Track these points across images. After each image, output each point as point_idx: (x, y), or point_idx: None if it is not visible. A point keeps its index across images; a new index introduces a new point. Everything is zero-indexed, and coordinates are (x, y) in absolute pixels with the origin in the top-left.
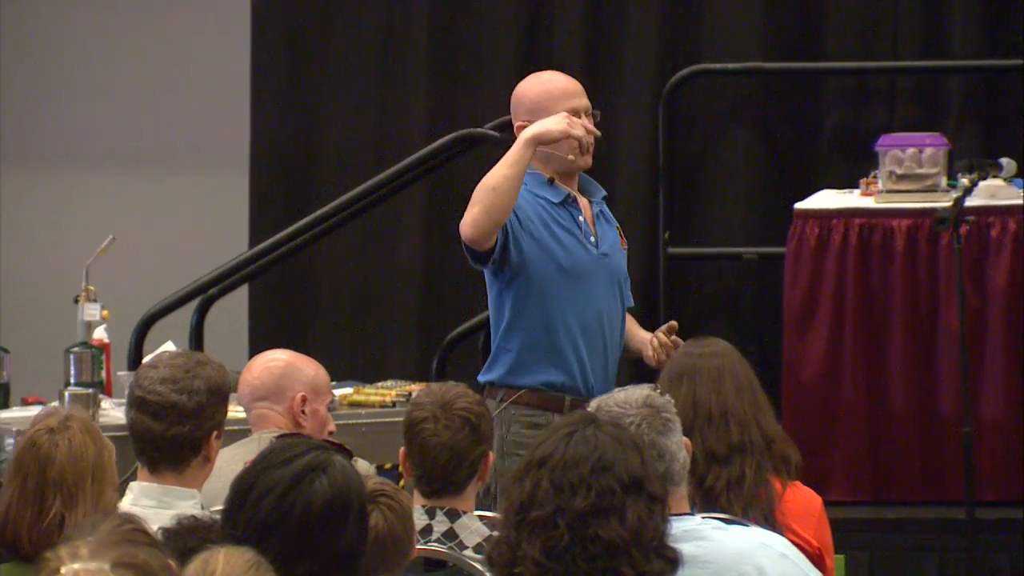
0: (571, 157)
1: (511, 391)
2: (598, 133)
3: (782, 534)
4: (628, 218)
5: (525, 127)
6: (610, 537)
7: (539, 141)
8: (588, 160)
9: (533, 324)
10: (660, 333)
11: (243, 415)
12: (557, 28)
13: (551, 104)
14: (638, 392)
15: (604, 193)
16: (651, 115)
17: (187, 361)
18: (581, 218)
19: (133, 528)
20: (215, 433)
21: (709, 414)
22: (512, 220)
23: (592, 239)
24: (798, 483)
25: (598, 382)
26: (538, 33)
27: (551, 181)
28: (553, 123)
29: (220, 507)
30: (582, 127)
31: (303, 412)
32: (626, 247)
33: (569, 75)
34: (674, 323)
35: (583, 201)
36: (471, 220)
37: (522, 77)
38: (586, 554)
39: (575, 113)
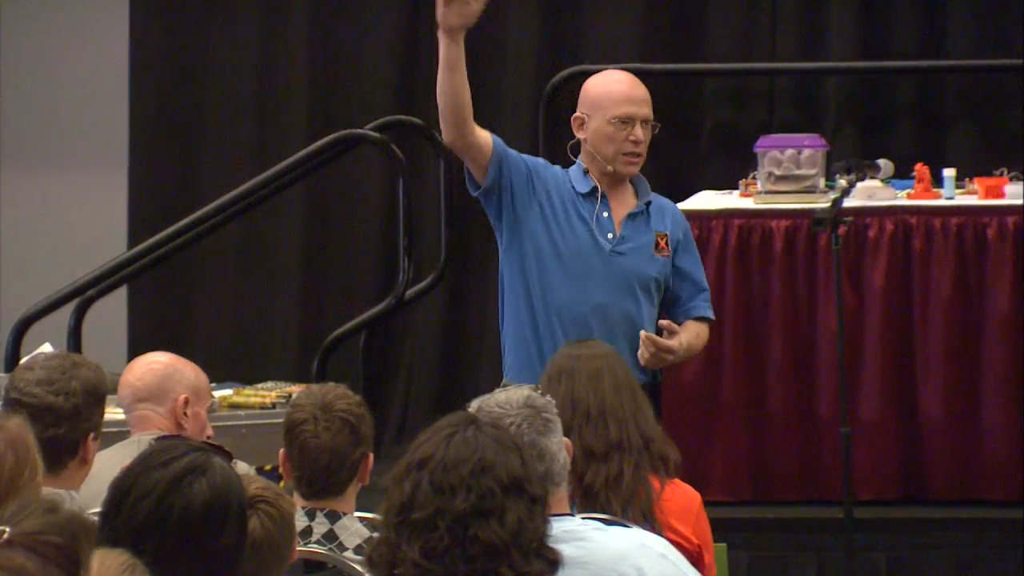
0: (609, 168)
1: None
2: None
3: (661, 532)
4: None
5: (581, 119)
6: (490, 538)
7: (443, 27)
8: (630, 168)
9: (520, 300)
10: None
11: (122, 417)
12: (438, 30)
13: (609, 104)
14: (519, 393)
15: (648, 199)
16: (532, 116)
17: (63, 362)
18: (605, 214)
19: (20, 532)
20: (92, 435)
21: (587, 412)
22: (520, 176)
23: (609, 236)
24: (677, 480)
25: None
26: (418, 34)
27: (586, 172)
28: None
29: (98, 509)
30: None
31: (185, 414)
32: (664, 254)
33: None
34: (667, 323)
35: (620, 198)
36: (441, 123)
37: (402, 77)
38: (466, 555)
39: (628, 120)
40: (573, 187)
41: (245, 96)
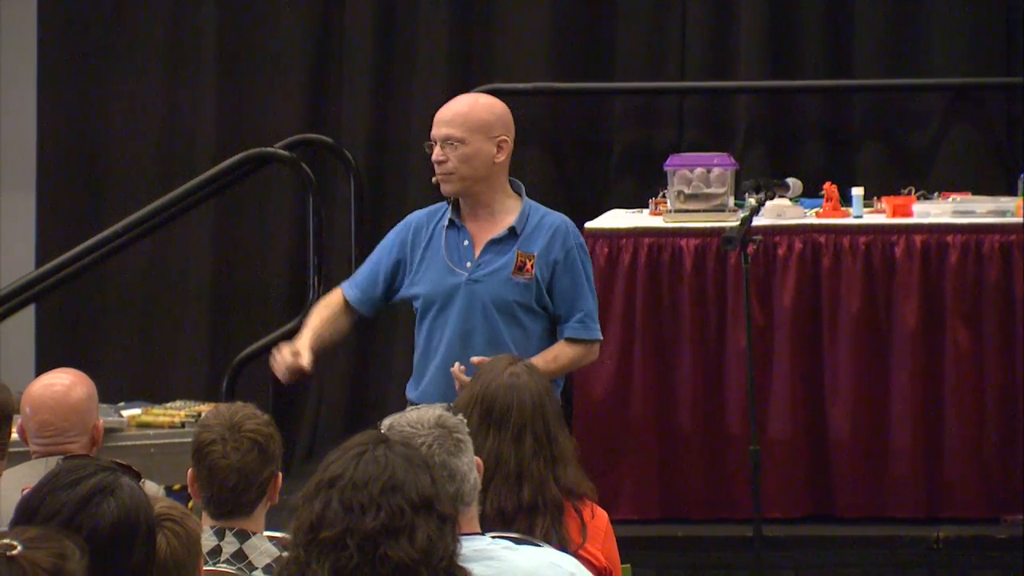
0: (433, 180)
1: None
2: None
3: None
4: None
5: None
6: (399, 557)
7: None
8: (444, 188)
9: (418, 342)
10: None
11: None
12: (347, 48)
13: None
14: (431, 412)
15: (513, 223)
16: None
17: None
18: (466, 242)
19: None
20: None
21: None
22: (393, 267)
23: (468, 264)
24: (587, 501)
25: None
26: (328, 54)
27: (454, 205)
28: None
29: (4, 529)
30: None
31: None
32: (527, 277)
33: (362, 96)
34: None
35: (490, 223)
36: None
37: (311, 96)
38: (375, 574)
39: (433, 141)
40: (443, 221)
41: (154, 114)
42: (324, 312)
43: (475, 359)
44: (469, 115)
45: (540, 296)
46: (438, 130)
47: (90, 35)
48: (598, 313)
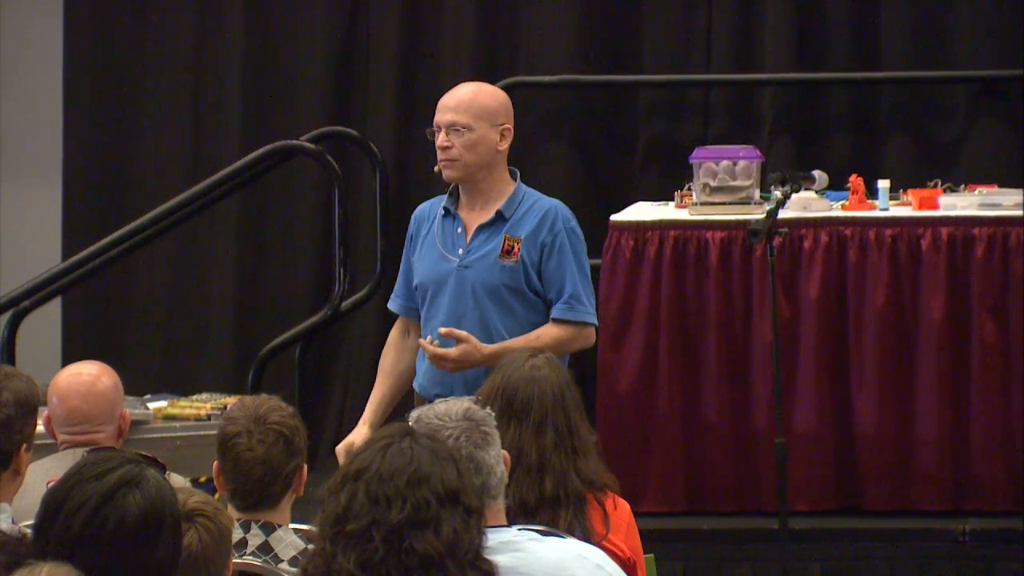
0: (436, 169)
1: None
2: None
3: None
4: None
5: None
6: (425, 550)
7: None
8: (447, 173)
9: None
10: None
11: None
12: (373, 42)
13: None
14: (458, 405)
15: (500, 207)
16: None
17: None
18: (459, 229)
19: None
20: (24, 446)
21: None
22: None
23: (460, 251)
24: (609, 493)
25: (459, 389)
26: (354, 44)
27: (453, 192)
28: None
29: (31, 521)
30: None
31: None
32: (513, 260)
33: (388, 89)
34: (446, 330)
35: (481, 209)
36: None
37: (338, 88)
38: (401, 567)
39: (438, 127)
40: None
41: (179, 107)
42: (387, 362)
43: (441, 329)
44: (474, 102)
45: (529, 279)
46: (443, 116)
47: (117, 30)
48: (593, 298)
